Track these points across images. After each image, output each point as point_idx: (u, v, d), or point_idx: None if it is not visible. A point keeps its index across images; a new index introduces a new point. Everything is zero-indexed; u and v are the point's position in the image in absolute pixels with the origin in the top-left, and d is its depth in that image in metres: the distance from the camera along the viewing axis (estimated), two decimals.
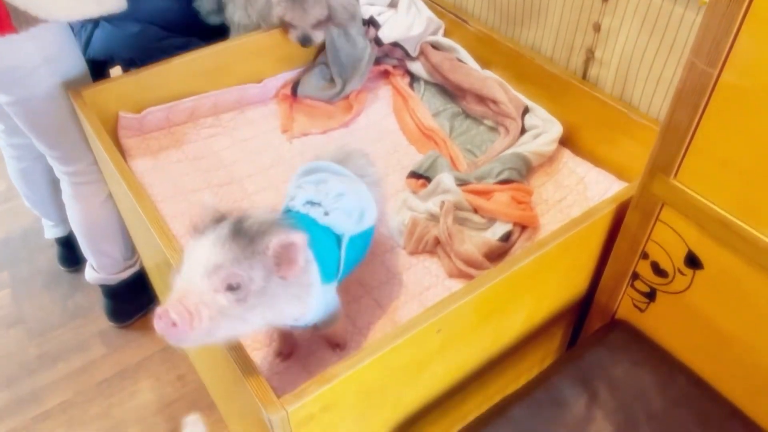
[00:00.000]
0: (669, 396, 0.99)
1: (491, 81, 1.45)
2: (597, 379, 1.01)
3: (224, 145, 1.46)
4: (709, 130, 0.83)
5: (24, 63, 1.20)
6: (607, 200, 1.06)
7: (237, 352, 0.82)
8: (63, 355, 1.66)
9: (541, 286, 1.07)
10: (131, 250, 1.61)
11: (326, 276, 0.88)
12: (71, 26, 1.45)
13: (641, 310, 1.10)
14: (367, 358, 0.81)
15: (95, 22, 1.52)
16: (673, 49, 1.12)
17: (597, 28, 1.25)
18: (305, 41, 1.47)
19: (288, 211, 0.97)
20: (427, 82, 1.60)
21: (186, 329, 0.69)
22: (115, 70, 1.66)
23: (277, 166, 1.42)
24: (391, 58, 1.65)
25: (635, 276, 1.07)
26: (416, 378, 0.96)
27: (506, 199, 1.23)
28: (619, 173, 1.29)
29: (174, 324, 0.68)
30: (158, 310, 0.69)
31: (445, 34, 1.63)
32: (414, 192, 1.32)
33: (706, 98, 0.81)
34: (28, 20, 1.12)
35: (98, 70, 1.52)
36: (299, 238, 0.74)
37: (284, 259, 0.75)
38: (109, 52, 1.55)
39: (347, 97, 1.58)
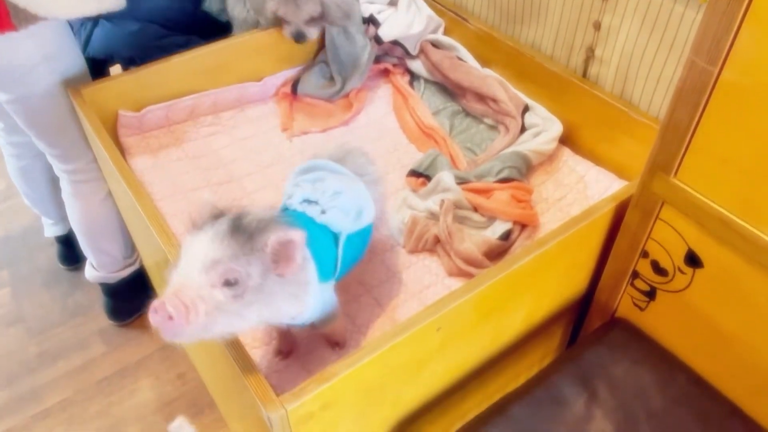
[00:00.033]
0: (669, 395, 0.99)
1: (491, 79, 1.45)
2: (597, 378, 1.01)
3: (224, 144, 1.46)
4: (710, 128, 0.83)
5: (23, 61, 1.20)
6: (607, 199, 1.06)
7: (236, 350, 0.82)
8: (63, 353, 1.66)
9: (541, 285, 1.07)
10: (131, 248, 1.61)
11: (323, 274, 0.87)
12: (71, 25, 1.45)
13: (641, 309, 1.10)
14: (367, 356, 0.81)
15: (95, 21, 1.51)
16: (674, 47, 1.12)
17: (597, 26, 1.25)
18: (298, 37, 1.46)
19: (285, 209, 0.97)
20: (427, 81, 1.60)
21: (182, 323, 0.68)
22: (115, 69, 1.66)
23: (276, 164, 1.42)
24: (391, 57, 1.65)
25: (635, 275, 1.07)
26: (416, 376, 0.96)
27: (506, 197, 1.23)
28: (619, 172, 1.29)
29: (170, 317, 0.68)
30: (154, 303, 0.69)
31: (445, 33, 1.63)
32: (414, 190, 1.32)
33: (706, 97, 0.81)
34: (28, 18, 1.12)
35: (98, 68, 1.52)
36: (298, 235, 0.74)
37: (282, 256, 0.75)
38: (108, 51, 1.54)
39: (347, 95, 1.58)
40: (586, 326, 1.25)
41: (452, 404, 1.11)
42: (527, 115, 1.40)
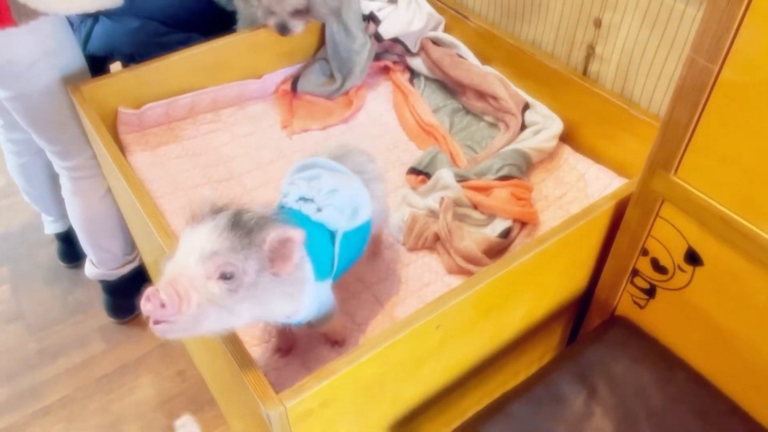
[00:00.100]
0: (668, 392, 0.99)
1: (491, 77, 1.45)
2: (596, 376, 1.01)
3: (224, 141, 1.46)
4: (710, 126, 0.83)
5: (23, 57, 1.19)
6: (607, 196, 1.06)
7: (236, 347, 0.82)
8: (63, 350, 1.66)
9: (541, 283, 1.07)
10: (131, 245, 1.61)
11: (320, 273, 0.87)
12: (71, 22, 1.45)
13: (641, 307, 1.10)
14: (366, 353, 0.81)
15: (95, 18, 1.51)
16: (674, 45, 1.12)
17: (598, 23, 1.25)
18: (282, 29, 1.44)
19: (281, 207, 0.96)
20: (427, 78, 1.60)
21: (174, 311, 0.67)
22: (115, 66, 1.66)
23: (276, 162, 1.42)
24: (391, 54, 1.65)
25: (635, 272, 1.07)
26: (415, 374, 0.96)
27: (506, 195, 1.23)
28: (620, 169, 1.29)
29: (162, 306, 0.67)
30: (147, 291, 0.68)
31: (446, 30, 1.62)
32: (413, 188, 1.32)
33: (706, 94, 0.81)
34: (28, 13, 1.12)
35: (98, 65, 1.52)
36: (297, 234, 0.74)
37: (279, 254, 0.75)
38: (108, 48, 1.54)
39: (347, 92, 1.58)
40: (585, 324, 1.25)
41: (452, 402, 1.11)
42: (527, 113, 1.39)
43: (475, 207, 1.24)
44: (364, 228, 0.99)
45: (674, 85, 0.84)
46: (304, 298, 0.83)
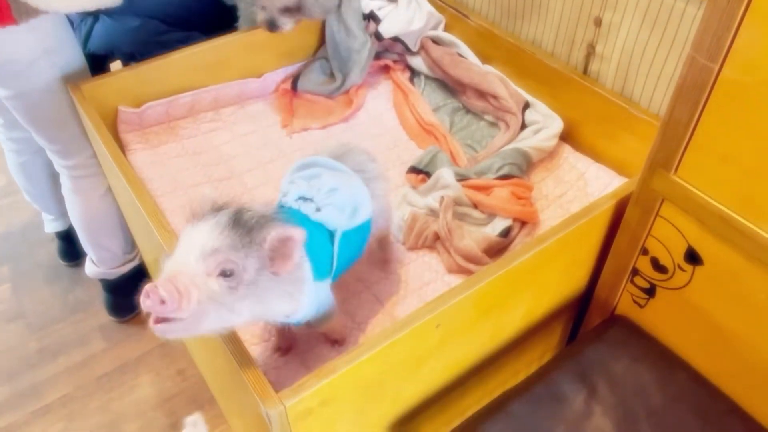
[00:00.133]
0: (668, 392, 0.99)
1: (492, 76, 1.45)
2: (596, 375, 1.01)
3: (224, 140, 1.46)
4: (710, 125, 0.83)
5: (23, 55, 1.19)
6: (607, 196, 1.06)
7: (235, 346, 0.82)
8: (63, 349, 1.66)
9: (541, 282, 1.07)
10: (131, 244, 1.61)
11: (319, 273, 0.87)
12: (71, 21, 1.45)
13: (641, 306, 1.10)
14: (366, 352, 0.81)
15: (95, 16, 1.51)
16: (674, 44, 1.12)
17: (598, 22, 1.25)
18: (270, 26, 1.42)
19: (280, 207, 0.96)
20: (427, 77, 1.60)
21: (174, 308, 0.67)
22: (116, 65, 1.65)
23: (276, 160, 1.42)
24: (391, 53, 1.65)
25: (635, 272, 1.07)
26: (415, 373, 0.96)
27: (506, 194, 1.23)
28: (620, 169, 1.29)
29: (162, 302, 0.67)
30: (146, 287, 0.67)
31: (446, 29, 1.62)
32: (414, 187, 1.32)
33: (706, 94, 0.81)
34: (29, 11, 1.12)
35: (99, 64, 1.52)
36: (298, 233, 0.74)
37: (279, 253, 0.75)
38: (109, 47, 1.54)
39: (347, 91, 1.58)
40: (585, 323, 1.25)
41: (451, 401, 1.11)
42: (528, 112, 1.39)
43: (475, 206, 1.24)
44: (365, 227, 0.99)
45: (674, 85, 0.84)
46: (303, 297, 0.83)
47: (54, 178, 1.55)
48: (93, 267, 1.61)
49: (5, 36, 1.14)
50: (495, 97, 1.42)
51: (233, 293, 0.72)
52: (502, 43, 1.46)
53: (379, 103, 1.58)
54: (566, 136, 1.38)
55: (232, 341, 0.83)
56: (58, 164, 1.42)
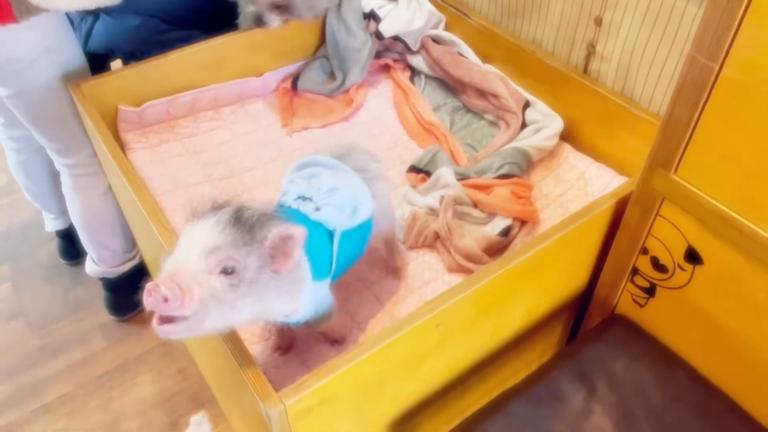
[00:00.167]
0: (668, 391, 0.99)
1: (492, 75, 1.44)
2: (596, 374, 1.01)
3: (224, 139, 1.46)
4: (710, 124, 0.83)
5: (24, 54, 1.19)
6: (607, 195, 1.06)
7: (235, 345, 0.82)
8: (63, 348, 1.66)
9: (541, 281, 1.07)
10: (131, 243, 1.61)
11: (318, 273, 0.87)
12: (71, 20, 1.45)
13: (641, 305, 1.10)
14: (366, 352, 0.81)
15: (95, 15, 1.51)
16: (675, 43, 1.12)
17: (598, 22, 1.25)
18: (257, 21, 1.41)
19: (280, 206, 0.96)
20: (427, 76, 1.60)
21: (177, 305, 0.67)
22: (116, 64, 1.65)
23: (277, 160, 1.42)
24: (391, 52, 1.64)
25: (635, 271, 1.07)
26: (415, 372, 0.96)
27: (506, 193, 1.23)
28: (620, 168, 1.29)
29: (165, 300, 0.66)
30: (149, 285, 0.67)
31: (446, 28, 1.62)
32: (414, 186, 1.32)
33: (706, 93, 0.81)
34: (29, 9, 1.12)
35: (99, 63, 1.52)
36: (299, 231, 0.74)
37: (280, 251, 0.75)
38: (109, 45, 1.54)
39: (347, 91, 1.58)
40: (585, 322, 1.25)
41: (451, 400, 1.11)
42: (528, 111, 1.39)
43: (476, 205, 1.24)
44: (365, 227, 0.98)
45: (675, 84, 0.84)
46: (302, 297, 0.83)
47: (54, 176, 1.55)
48: (93, 266, 1.61)
49: (5, 34, 1.14)
50: (495, 96, 1.42)
51: (235, 291, 0.72)
52: (503, 43, 1.46)
53: (379, 103, 1.58)
54: (566, 136, 1.38)
55: (232, 340, 0.83)
56: (59, 163, 1.42)
